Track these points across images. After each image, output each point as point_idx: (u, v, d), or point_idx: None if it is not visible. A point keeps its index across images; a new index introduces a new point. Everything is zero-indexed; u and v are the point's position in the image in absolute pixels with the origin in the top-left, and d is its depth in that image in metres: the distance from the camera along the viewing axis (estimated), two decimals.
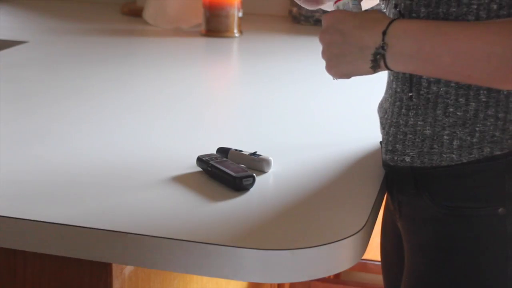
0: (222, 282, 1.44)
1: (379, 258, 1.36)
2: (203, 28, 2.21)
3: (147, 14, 2.34)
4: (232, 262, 0.89)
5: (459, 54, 0.94)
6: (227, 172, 1.04)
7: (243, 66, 2.04)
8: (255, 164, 1.10)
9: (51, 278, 1.01)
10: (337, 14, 1.02)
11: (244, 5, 2.22)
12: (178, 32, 2.27)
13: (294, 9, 2.40)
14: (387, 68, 0.98)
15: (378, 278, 2.24)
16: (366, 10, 1.03)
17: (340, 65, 1.02)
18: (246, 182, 1.03)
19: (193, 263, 0.89)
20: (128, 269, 1.03)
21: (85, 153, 1.19)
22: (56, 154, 1.18)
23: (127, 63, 1.90)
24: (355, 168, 1.16)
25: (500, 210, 1.01)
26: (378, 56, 0.97)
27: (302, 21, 2.39)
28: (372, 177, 1.11)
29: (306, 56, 2.01)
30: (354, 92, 1.64)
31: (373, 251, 1.46)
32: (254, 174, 1.04)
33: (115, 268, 1.00)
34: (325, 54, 1.03)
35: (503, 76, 0.93)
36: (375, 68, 0.98)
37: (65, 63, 1.84)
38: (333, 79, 1.06)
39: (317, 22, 2.35)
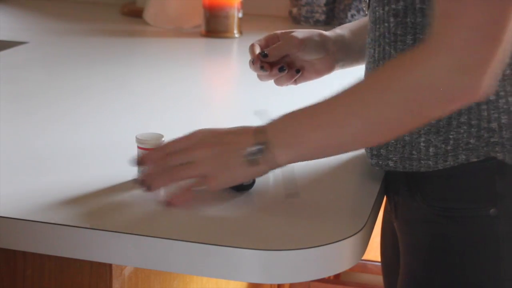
0: (222, 282, 1.44)
1: (379, 259, 1.36)
2: (203, 28, 2.21)
3: (147, 14, 2.34)
4: (232, 262, 0.89)
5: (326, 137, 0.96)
6: None
7: (243, 66, 2.03)
8: None
9: (51, 278, 1.01)
10: (206, 129, 1.00)
11: (244, 5, 2.22)
12: (178, 32, 2.27)
13: (294, 10, 2.40)
14: (272, 165, 0.96)
15: (378, 279, 2.24)
16: None
17: (223, 174, 0.97)
18: (246, 182, 1.02)
19: (193, 263, 0.89)
20: (128, 269, 1.03)
21: (85, 153, 1.19)
22: (56, 154, 1.18)
23: (127, 64, 1.90)
24: (355, 169, 1.16)
25: (491, 211, 1.02)
26: (254, 157, 0.95)
27: (302, 21, 2.39)
28: (372, 177, 1.11)
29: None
30: None
31: (373, 252, 1.46)
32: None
33: (115, 268, 1.00)
34: (205, 167, 0.97)
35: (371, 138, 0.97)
36: (255, 173, 0.97)
37: (65, 64, 1.84)
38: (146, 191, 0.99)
39: (317, 22, 2.35)
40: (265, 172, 0.97)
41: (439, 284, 1.07)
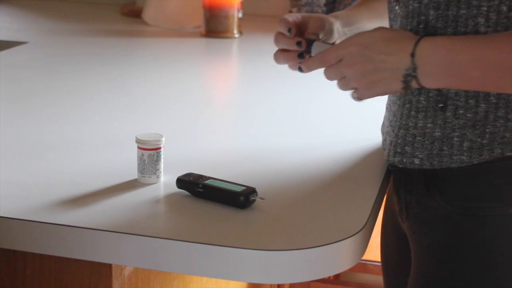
0: (222, 282, 1.44)
1: (379, 259, 1.36)
2: (202, 28, 2.21)
3: (147, 14, 2.34)
4: (232, 262, 0.89)
5: (487, 67, 0.94)
6: (228, 189, 0.99)
7: (243, 66, 2.04)
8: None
9: (51, 279, 1.01)
10: (358, 40, 1.01)
11: (244, 5, 2.22)
12: (178, 32, 2.27)
13: (294, 10, 2.40)
14: (420, 86, 0.98)
15: (378, 279, 2.25)
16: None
17: (374, 89, 1.01)
18: (252, 197, 0.99)
19: (193, 263, 0.89)
20: (128, 269, 1.04)
21: (85, 153, 1.19)
22: (56, 154, 1.18)
23: (126, 64, 1.90)
24: (355, 169, 1.16)
25: None
26: (409, 78, 0.97)
27: None
28: (372, 178, 1.11)
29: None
30: None
31: (373, 252, 1.46)
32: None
33: (115, 268, 1.00)
34: (356, 82, 1.02)
35: None
36: (407, 89, 0.99)
37: (65, 64, 1.84)
38: (355, 100, 1.05)
39: None
40: (411, 90, 1.01)
41: (458, 283, 1.06)
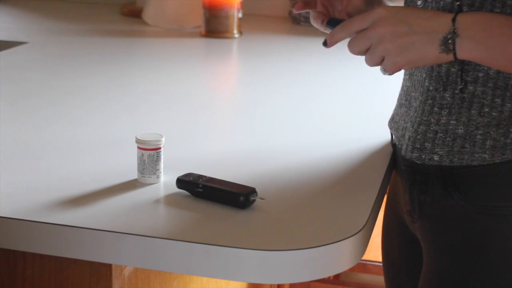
0: (222, 282, 1.44)
1: (379, 259, 1.36)
2: (202, 28, 2.21)
3: (147, 15, 2.34)
4: (232, 262, 0.89)
5: None
6: (228, 190, 0.99)
7: (243, 67, 2.04)
8: None
9: (51, 279, 1.01)
10: (394, 8, 0.98)
11: (243, 6, 2.22)
12: (178, 32, 2.27)
13: (294, 10, 2.40)
14: (454, 55, 0.95)
15: (378, 279, 2.25)
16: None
17: (406, 53, 0.97)
18: (252, 197, 0.98)
19: (193, 263, 0.89)
20: (128, 269, 1.04)
21: (85, 153, 1.19)
22: (56, 154, 1.18)
23: (126, 64, 1.90)
24: (355, 169, 1.16)
25: None
26: (449, 41, 0.94)
27: (302, 22, 2.39)
28: (372, 178, 1.11)
29: (306, 57, 2.01)
30: (354, 92, 1.64)
31: (373, 252, 1.46)
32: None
33: (115, 268, 1.00)
34: (388, 44, 0.96)
35: None
36: (446, 52, 0.95)
37: (65, 64, 1.84)
38: (385, 74, 1.01)
39: None
40: (448, 60, 0.96)
41: (479, 282, 1.06)
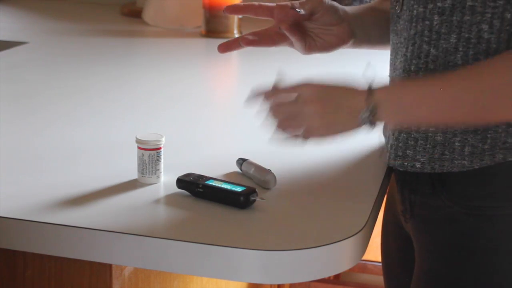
0: (222, 282, 1.44)
1: (379, 259, 1.36)
2: (203, 28, 2.21)
3: (147, 15, 2.34)
4: (232, 263, 0.89)
5: (432, 104, 0.97)
6: (228, 190, 0.99)
7: (243, 66, 2.04)
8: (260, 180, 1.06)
9: (51, 279, 1.01)
10: (318, 87, 1.02)
11: None
12: (178, 33, 2.27)
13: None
14: (375, 126, 1.00)
15: (378, 279, 2.25)
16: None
17: (331, 129, 1.01)
18: (252, 197, 0.98)
19: (193, 263, 0.89)
20: (128, 269, 1.04)
21: (85, 153, 1.19)
22: (56, 154, 1.18)
23: (127, 64, 1.90)
24: (355, 169, 1.16)
25: None
26: (369, 117, 0.98)
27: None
28: (372, 178, 1.11)
29: (306, 56, 2.00)
30: None
31: (373, 252, 1.46)
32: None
33: (115, 268, 1.00)
34: (315, 122, 1.01)
35: (478, 117, 0.97)
36: (368, 126, 0.99)
37: (65, 64, 1.84)
38: (299, 144, 1.04)
39: None
40: (368, 131, 1.01)
41: (465, 282, 1.06)
